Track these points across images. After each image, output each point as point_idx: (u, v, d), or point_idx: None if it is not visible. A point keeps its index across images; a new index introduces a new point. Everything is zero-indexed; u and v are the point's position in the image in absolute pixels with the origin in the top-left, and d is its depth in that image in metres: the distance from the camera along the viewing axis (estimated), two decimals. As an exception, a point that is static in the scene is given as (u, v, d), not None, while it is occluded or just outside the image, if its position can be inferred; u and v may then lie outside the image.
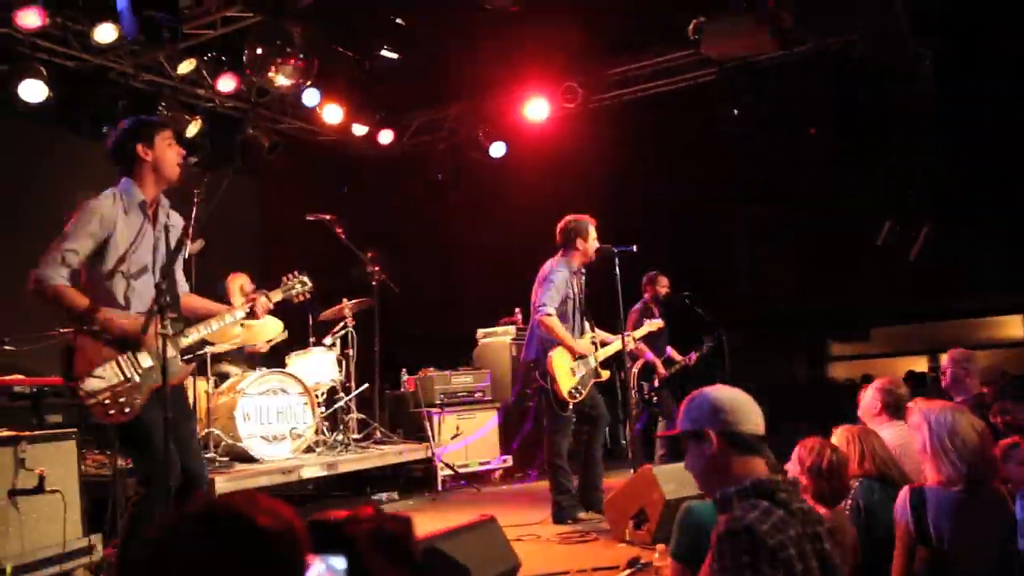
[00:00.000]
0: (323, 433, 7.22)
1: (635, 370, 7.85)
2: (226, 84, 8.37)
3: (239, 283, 7.34)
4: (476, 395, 8.43)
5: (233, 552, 1.09)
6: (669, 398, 8.29)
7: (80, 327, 3.64)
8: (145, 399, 3.66)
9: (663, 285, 8.23)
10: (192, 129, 8.34)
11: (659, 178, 9.52)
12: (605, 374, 6.23)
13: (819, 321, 9.69)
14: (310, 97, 9.02)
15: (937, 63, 7.47)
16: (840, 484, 3.17)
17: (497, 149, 10.16)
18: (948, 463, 3.01)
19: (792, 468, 3.18)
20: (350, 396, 7.50)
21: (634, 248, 5.92)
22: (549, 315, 5.86)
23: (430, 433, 7.77)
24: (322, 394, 7.41)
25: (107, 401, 3.59)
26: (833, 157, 8.91)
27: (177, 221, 3.93)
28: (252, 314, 4.01)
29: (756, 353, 8.15)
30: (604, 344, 6.33)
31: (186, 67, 8.19)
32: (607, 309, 6.20)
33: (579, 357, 5.98)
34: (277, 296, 4.20)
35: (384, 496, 7.40)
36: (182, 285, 4.12)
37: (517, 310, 9.12)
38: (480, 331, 9.16)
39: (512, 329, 8.98)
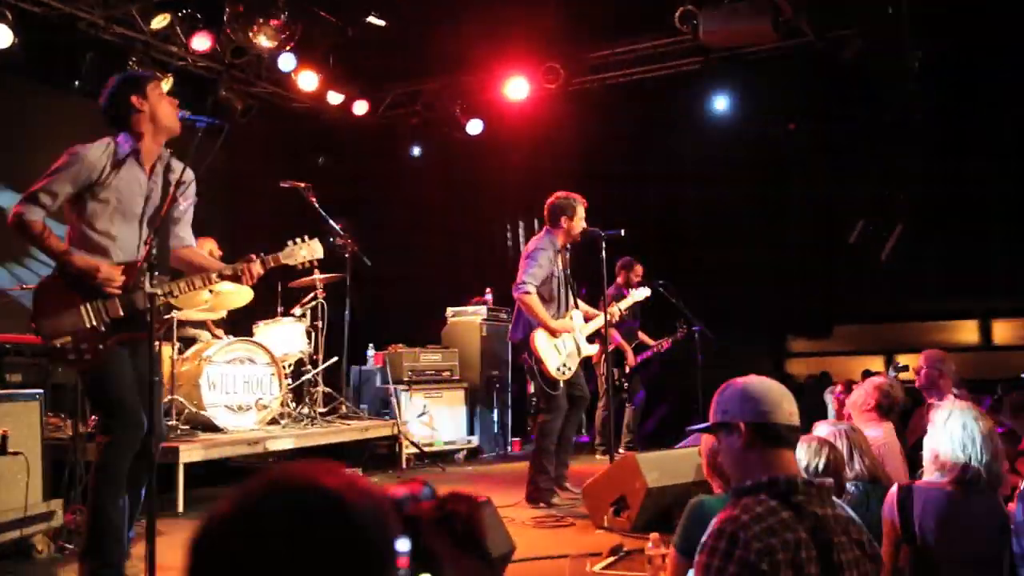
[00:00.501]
0: (288, 405, 7.06)
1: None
2: (201, 42, 8.07)
3: (207, 248, 7.15)
4: (444, 374, 8.34)
5: (318, 534, 0.96)
6: (639, 385, 8.28)
7: (54, 271, 3.65)
8: (111, 348, 3.58)
9: (637, 273, 8.22)
10: (163, 87, 8.05)
11: (639, 163, 9.45)
12: (592, 348, 6.19)
13: (785, 315, 9.72)
14: (286, 62, 8.74)
15: (930, 66, 7.50)
16: (838, 486, 3.15)
17: (474, 126, 9.99)
18: (949, 448, 2.97)
19: None
20: (318, 369, 7.34)
21: (622, 232, 5.83)
22: (528, 293, 5.77)
23: (396, 410, 7.66)
24: (289, 365, 7.24)
25: (69, 346, 3.55)
26: (813, 153, 8.95)
27: (179, 172, 3.71)
28: (242, 277, 3.78)
29: (733, 344, 8.16)
30: (589, 318, 6.26)
31: (160, 22, 7.91)
32: (590, 292, 6.12)
33: (556, 337, 5.89)
34: (277, 261, 3.87)
35: (348, 472, 7.28)
36: (186, 239, 3.97)
37: (488, 290, 9.02)
38: (450, 310, 9.04)
39: (483, 309, 8.88)
